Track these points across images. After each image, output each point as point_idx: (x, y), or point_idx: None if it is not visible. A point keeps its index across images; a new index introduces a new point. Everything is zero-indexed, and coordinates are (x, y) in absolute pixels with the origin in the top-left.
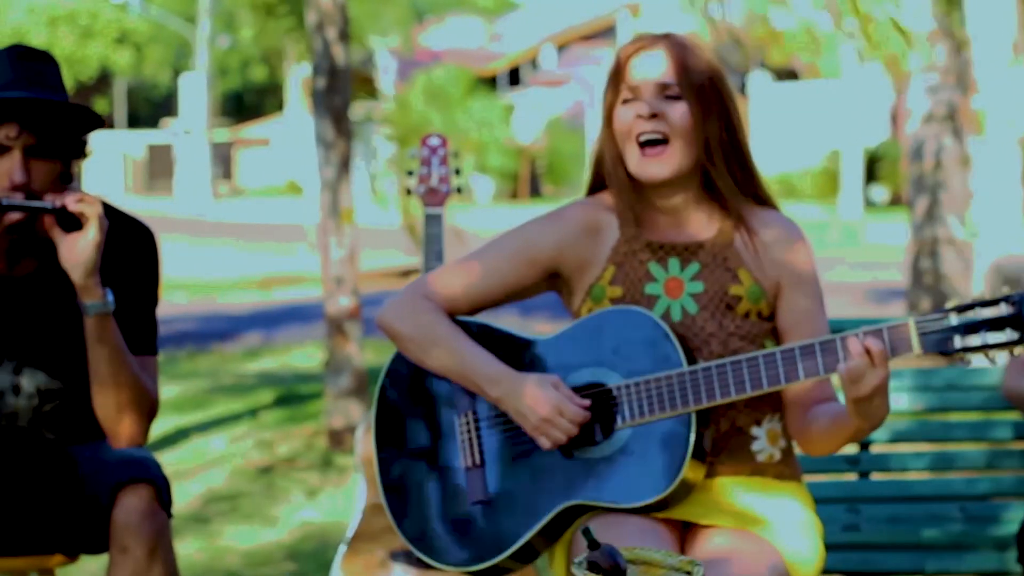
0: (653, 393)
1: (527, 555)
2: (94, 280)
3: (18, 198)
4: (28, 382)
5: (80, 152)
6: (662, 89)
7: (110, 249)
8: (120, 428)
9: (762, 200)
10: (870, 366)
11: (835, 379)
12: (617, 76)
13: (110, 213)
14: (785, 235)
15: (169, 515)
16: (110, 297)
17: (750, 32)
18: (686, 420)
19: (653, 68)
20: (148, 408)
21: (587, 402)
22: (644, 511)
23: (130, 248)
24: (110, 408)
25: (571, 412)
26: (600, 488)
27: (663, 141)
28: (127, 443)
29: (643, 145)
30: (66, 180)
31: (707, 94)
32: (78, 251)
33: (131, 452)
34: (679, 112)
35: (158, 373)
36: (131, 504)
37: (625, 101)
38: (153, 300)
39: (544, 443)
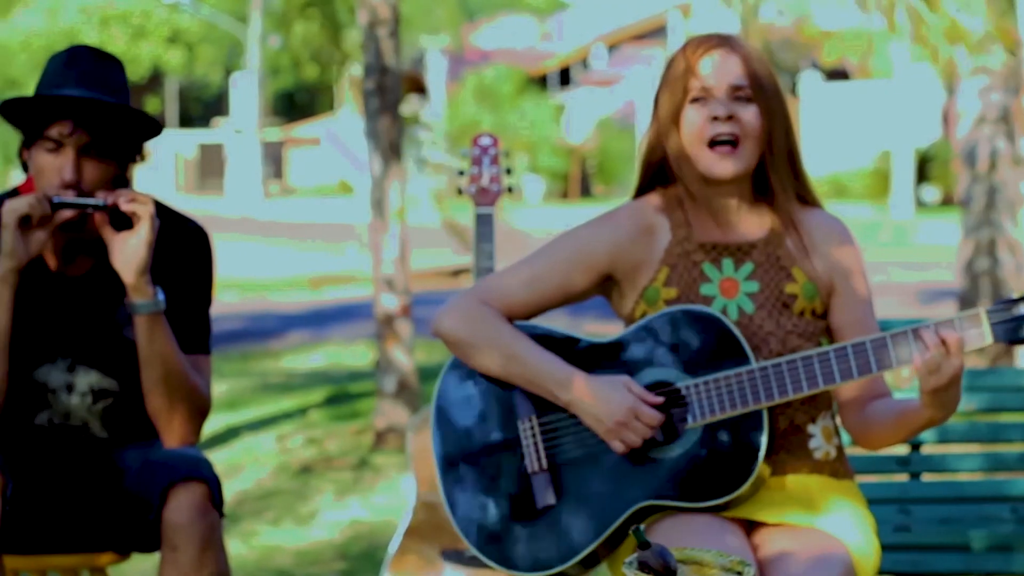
0: (724, 391)
1: (593, 560)
2: (145, 279)
3: (69, 196)
4: (81, 380)
5: (135, 155)
6: (735, 91)
7: (163, 248)
8: (172, 427)
9: (809, 201)
10: (946, 356)
11: (888, 376)
12: (684, 75)
13: (162, 212)
14: (834, 234)
15: (221, 514)
16: (160, 296)
17: (801, 32)
18: (757, 418)
19: (726, 69)
20: (200, 407)
21: (660, 399)
22: (714, 510)
23: (183, 247)
24: (161, 407)
25: (646, 415)
26: (672, 488)
27: (733, 142)
28: (179, 442)
29: (712, 145)
30: (121, 183)
31: (774, 97)
32: (129, 250)
33: (183, 451)
34: (751, 114)
35: (211, 372)
36: (183, 503)
37: (695, 100)
38: (206, 299)
39: (618, 447)
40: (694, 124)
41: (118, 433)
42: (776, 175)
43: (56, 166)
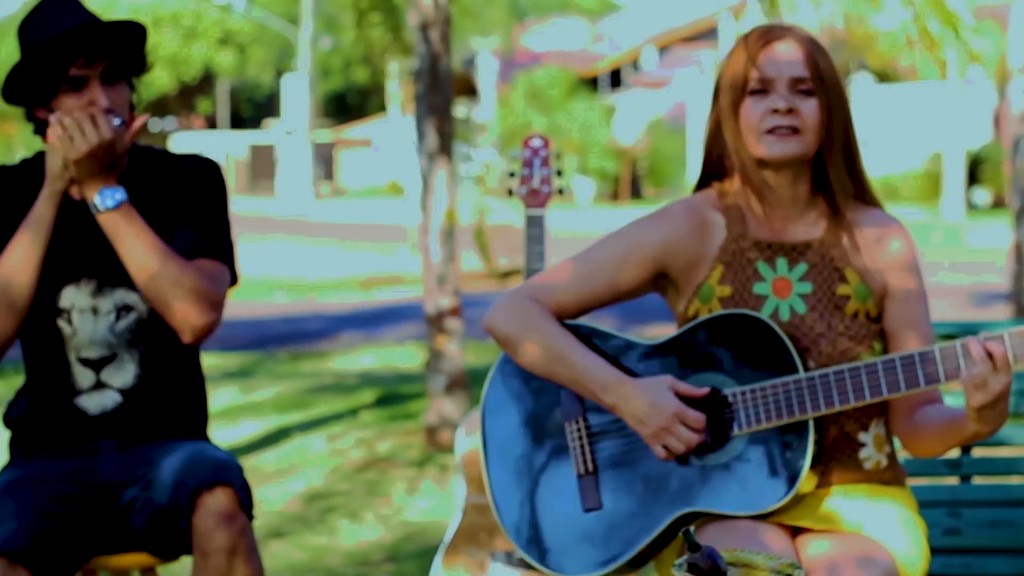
0: (770, 400)
1: (638, 563)
2: (82, 181)
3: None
4: (107, 301)
5: (142, 68)
6: (795, 83)
7: (168, 177)
8: (174, 321)
9: (867, 200)
10: (992, 371)
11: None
12: (745, 66)
13: (168, 158)
14: (890, 235)
15: (250, 517)
16: (104, 200)
17: (852, 33)
18: (804, 427)
19: (787, 61)
20: (200, 297)
21: (706, 391)
22: (757, 517)
23: (188, 175)
24: (155, 303)
25: (691, 419)
26: (716, 496)
27: (793, 133)
28: (189, 334)
29: (770, 131)
30: (131, 104)
31: (835, 90)
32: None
33: (211, 454)
34: (811, 108)
35: (223, 277)
36: (210, 509)
37: (754, 92)
38: (212, 213)
39: (660, 452)
40: (753, 115)
41: (146, 351)
42: (834, 170)
43: (85, 102)
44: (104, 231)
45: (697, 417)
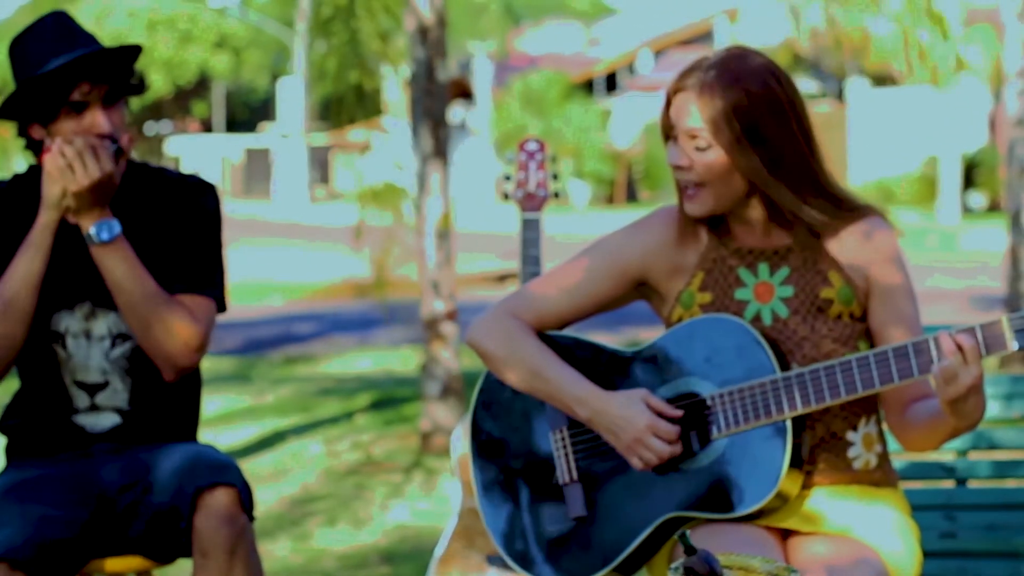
0: (748, 401)
1: (627, 569)
2: (73, 212)
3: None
4: (100, 325)
5: (140, 89)
6: (691, 138)
7: (162, 199)
8: (156, 356)
9: (843, 201)
10: (963, 364)
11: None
12: (664, 109)
13: (163, 177)
14: (870, 233)
15: (251, 518)
16: (100, 231)
17: (848, 37)
18: (783, 428)
19: (684, 115)
20: (184, 339)
21: (679, 413)
22: (744, 520)
23: (179, 197)
24: (140, 339)
25: (663, 431)
26: (699, 499)
27: (699, 187)
28: (170, 371)
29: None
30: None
31: (741, 133)
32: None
33: (211, 455)
34: (708, 161)
35: (209, 315)
36: (211, 509)
37: (670, 137)
38: (203, 243)
39: (636, 464)
40: (669, 160)
41: (138, 379)
42: (775, 198)
43: (87, 124)
44: (96, 261)
45: (670, 429)
